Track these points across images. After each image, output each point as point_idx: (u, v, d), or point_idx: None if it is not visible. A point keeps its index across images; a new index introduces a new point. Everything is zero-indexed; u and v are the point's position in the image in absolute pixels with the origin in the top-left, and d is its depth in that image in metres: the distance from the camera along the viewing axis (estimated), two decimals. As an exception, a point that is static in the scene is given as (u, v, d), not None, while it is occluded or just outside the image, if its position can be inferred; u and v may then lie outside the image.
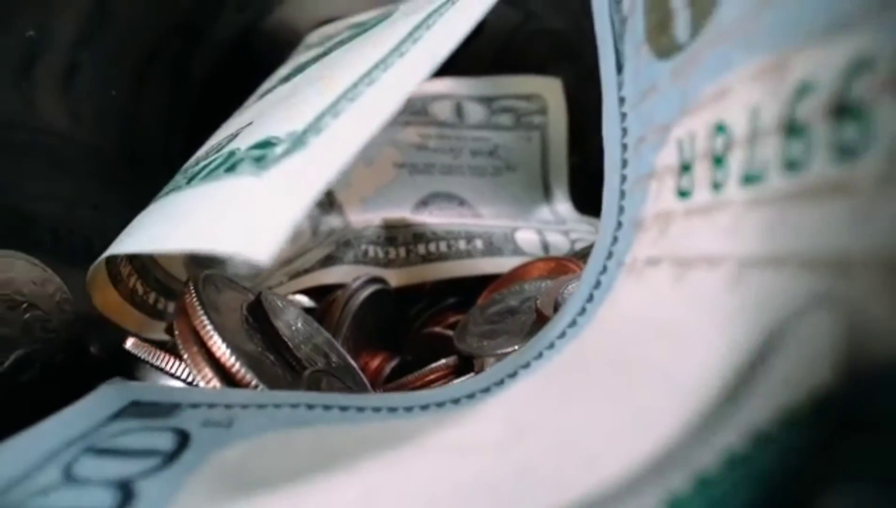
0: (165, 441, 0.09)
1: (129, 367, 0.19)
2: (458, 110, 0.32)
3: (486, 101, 0.33)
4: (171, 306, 0.22)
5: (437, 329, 0.22)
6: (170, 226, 0.09)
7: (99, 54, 0.25)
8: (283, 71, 0.20)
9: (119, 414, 0.10)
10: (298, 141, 0.08)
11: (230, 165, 0.10)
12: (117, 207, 0.25)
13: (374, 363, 0.22)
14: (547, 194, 0.32)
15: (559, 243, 0.26)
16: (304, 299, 0.23)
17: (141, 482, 0.08)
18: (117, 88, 0.27)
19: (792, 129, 0.06)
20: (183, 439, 0.09)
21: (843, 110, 0.06)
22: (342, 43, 0.17)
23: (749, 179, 0.07)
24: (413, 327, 0.23)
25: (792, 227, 0.06)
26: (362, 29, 0.18)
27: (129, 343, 0.16)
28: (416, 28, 0.11)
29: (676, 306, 0.08)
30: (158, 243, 0.10)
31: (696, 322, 0.07)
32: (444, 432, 0.09)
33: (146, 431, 0.10)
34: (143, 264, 0.21)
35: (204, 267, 0.23)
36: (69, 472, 0.08)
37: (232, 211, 0.08)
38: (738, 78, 0.08)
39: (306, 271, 0.24)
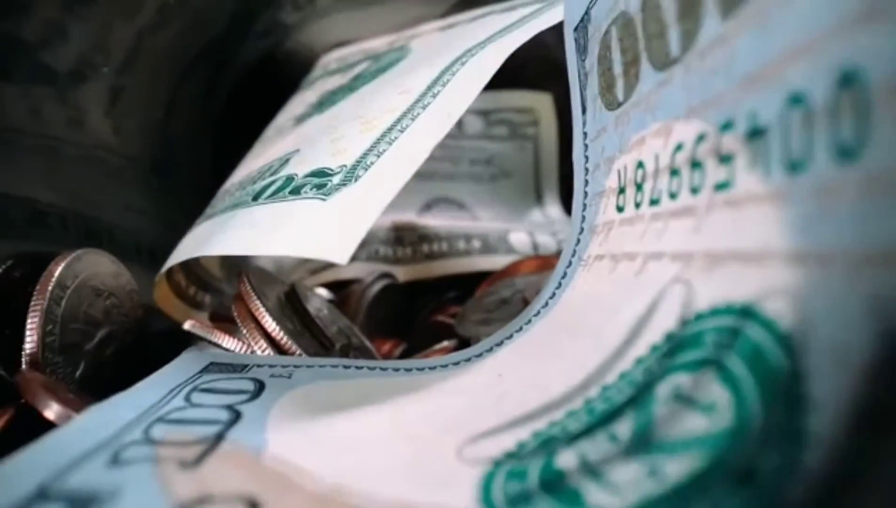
0: (247, 385, 0.13)
1: (182, 345, 0.22)
2: (458, 122, 0.36)
3: (484, 114, 0.36)
4: (206, 298, 0.26)
5: (440, 318, 0.26)
6: (252, 234, 0.13)
7: (138, 79, 0.29)
8: (311, 97, 0.24)
9: (205, 370, 0.14)
10: (351, 174, 0.12)
11: (293, 188, 0.13)
12: (159, 211, 0.29)
13: (385, 347, 0.26)
14: (538, 198, 0.36)
15: (547, 243, 0.30)
16: (324, 292, 0.27)
17: (241, 406, 0.11)
18: (153, 107, 0.31)
19: (673, 170, 0.10)
20: (259, 385, 0.13)
21: (696, 163, 0.10)
22: (365, 79, 0.20)
23: (653, 201, 0.11)
24: (419, 316, 0.27)
25: (668, 233, 0.10)
26: (379, 65, 0.22)
27: (188, 325, 0.20)
28: (437, 79, 0.15)
29: (609, 287, 0.12)
30: (244, 248, 0.14)
31: (618, 297, 0.11)
32: (447, 381, 0.13)
33: (230, 380, 0.13)
34: (187, 263, 0.25)
35: (235, 266, 0.27)
36: (189, 400, 0.12)
37: (307, 225, 0.12)
38: (648, 133, 0.11)
39: (325, 268, 0.28)
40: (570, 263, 0.15)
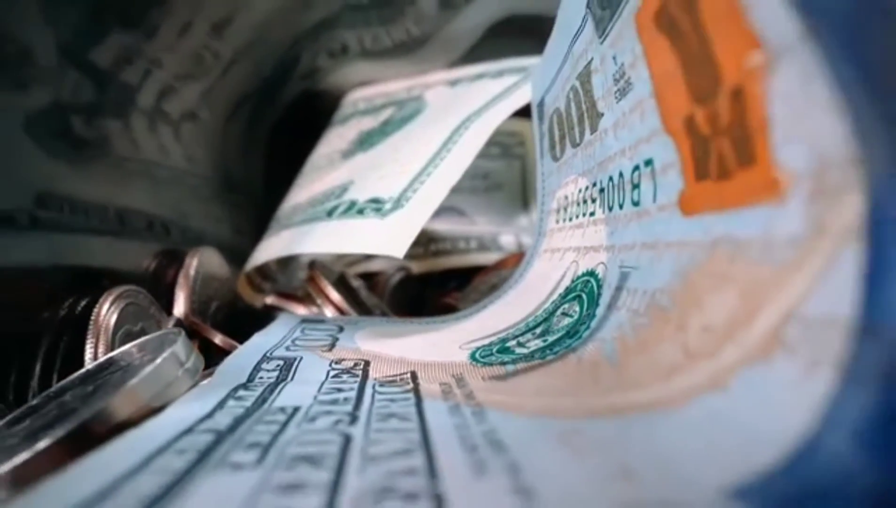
0: (333, 328, 0.22)
1: (256, 316, 0.31)
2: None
3: (481, 137, 0.45)
4: (266, 285, 0.35)
5: (445, 300, 0.35)
6: (335, 239, 0.22)
7: (204, 115, 0.38)
8: (350, 134, 0.33)
9: (302, 321, 0.23)
10: (398, 203, 0.21)
11: (358, 210, 0.23)
12: (231, 219, 0.38)
13: (404, 323, 0.34)
14: (525, 206, 0.45)
15: (530, 244, 0.39)
16: (358, 280, 0.36)
17: (337, 335, 0.21)
18: (214, 136, 0.40)
19: (577, 203, 0.20)
20: (340, 327, 0.22)
21: (584, 201, 0.19)
22: (394, 125, 0.30)
23: (569, 219, 0.20)
24: (429, 299, 0.36)
25: (573, 237, 0.19)
26: (402, 114, 0.31)
27: (270, 299, 0.29)
28: (449, 138, 0.24)
29: (547, 267, 0.21)
30: (329, 248, 0.23)
31: (550, 272, 0.20)
32: (452, 324, 0.22)
33: (321, 326, 0.22)
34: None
35: (286, 262, 0.36)
36: (304, 332, 0.21)
37: (373, 235, 0.21)
38: (569, 181, 0.21)
39: (356, 262, 0.37)
40: (532, 255, 0.24)
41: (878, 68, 0.06)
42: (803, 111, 0.08)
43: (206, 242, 0.34)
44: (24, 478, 0.11)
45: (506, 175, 0.46)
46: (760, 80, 0.09)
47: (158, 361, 0.13)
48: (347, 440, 0.10)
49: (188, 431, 0.11)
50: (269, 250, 0.28)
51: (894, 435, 0.06)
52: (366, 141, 0.30)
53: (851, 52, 0.06)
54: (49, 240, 0.27)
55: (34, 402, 0.15)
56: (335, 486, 0.08)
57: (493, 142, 0.47)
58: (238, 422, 0.11)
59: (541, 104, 0.24)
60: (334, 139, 0.35)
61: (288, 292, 0.32)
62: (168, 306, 0.25)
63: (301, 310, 0.28)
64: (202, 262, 0.27)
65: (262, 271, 0.35)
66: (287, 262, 0.36)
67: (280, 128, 0.44)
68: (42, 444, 0.11)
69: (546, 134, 0.24)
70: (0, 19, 0.25)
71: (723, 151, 0.10)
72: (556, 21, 0.20)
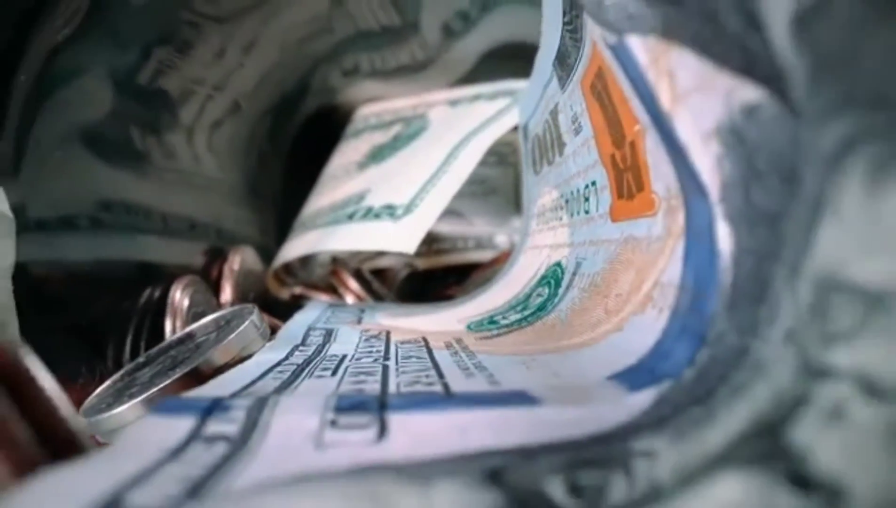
0: (356, 310, 0.28)
1: (280, 305, 0.37)
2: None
3: (478, 146, 0.51)
4: (289, 279, 0.41)
5: (446, 293, 0.41)
6: (355, 238, 0.28)
7: (230, 128, 0.43)
8: (363, 147, 0.39)
9: (329, 306, 0.29)
10: (408, 209, 0.27)
11: (375, 214, 0.29)
12: (258, 221, 0.44)
13: (410, 313, 0.40)
14: (517, 209, 0.51)
15: (521, 243, 0.45)
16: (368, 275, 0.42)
17: (360, 315, 0.26)
18: (239, 147, 0.46)
19: (551, 210, 0.25)
20: (361, 310, 0.28)
21: (556, 208, 0.25)
22: (403, 140, 0.36)
23: (546, 221, 0.26)
24: (432, 292, 0.42)
25: (548, 237, 0.25)
26: (409, 131, 0.37)
27: (298, 290, 0.35)
28: (450, 154, 0.30)
29: (530, 261, 0.27)
30: (351, 245, 0.29)
31: (531, 265, 0.26)
32: (454, 307, 0.28)
33: (345, 310, 0.28)
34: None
35: (306, 259, 0.42)
36: (332, 312, 0.27)
37: (387, 235, 0.27)
38: (546, 191, 0.26)
39: (369, 259, 0.43)
40: (519, 251, 0.30)
41: (685, 148, 0.12)
42: (658, 162, 0.13)
43: (238, 241, 0.40)
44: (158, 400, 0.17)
45: (501, 181, 0.52)
46: (641, 140, 0.14)
47: (243, 326, 0.19)
48: (385, 367, 0.15)
49: (277, 365, 0.16)
50: (296, 248, 0.33)
51: (686, 339, 0.12)
52: (378, 155, 0.36)
53: (673, 134, 0.12)
54: (111, 239, 0.33)
55: (141, 359, 0.21)
56: (384, 382, 0.13)
57: (490, 151, 0.53)
58: (308, 361, 0.17)
59: (525, 127, 0.30)
60: (349, 151, 0.41)
61: (312, 283, 0.37)
62: (215, 295, 0.31)
63: (325, 298, 0.34)
64: (243, 258, 0.33)
65: (287, 267, 0.41)
66: (307, 259, 0.42)
67: (298, 141, 0.50)
68: (175, 376, 0.17)
69: (529, 152, 0.29)
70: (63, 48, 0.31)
71: (629, 180, 0.16)
72: (534, 65, 0.26)
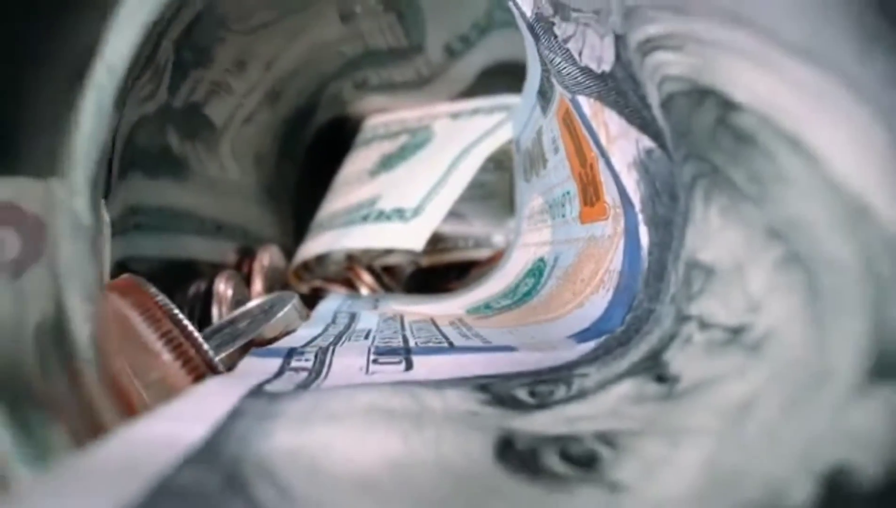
0: (373, 300, 0.33)
1: (310, 298, 0.42)
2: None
3: (477, 153, 0.56)
4: (306, 275, 0.46)
5: (449, 287, 0.46)
6: (369, 237, 0.33)
7: (249, 135, 0.49)
8: (373, 155, 0.44)
9: (347, 298, 0.34)
10: (416, 212, 0.32)
11: (386, 216, 0.34)
12: (277, 222, 0.49)
13: (415, 305, 0.45)
14: (513, 211, 0.56)
15: (516, 242, 0.50)
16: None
17: (377, 303, 0.31)
18: (258, 154, 0.51)
19: (539, 212, 0.31)
20: (376, 299, 0.33)
21: (542, 211, 0.30)
22: (409, 150, 0.41)
23: (534, 223, 0.31)
24: (435, 287, 0.47)
25: (535, 236, 0.30)
26: (415, 141, 0.42)
27: (318, 283, 0.40)
28: (452, 164, 0.35)
29: (521, 256, 0.32)
30: (365, 243, 0.34)
31: (522, 260, 0.31)
32: (455, 298, 0.33)
33: (362, 300, 0.33)
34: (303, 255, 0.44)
35: (322, 256, 0.47)
36: (350, 304, 0.32)
37: (398, 234, 0.32)
38: (534, 197, 0.32)
39: (378, 257, 0.48)
40: (512, 249, 0.35)
41: (618, 173, 0.17)
42: (606, 181, 0.19)
43: (263, 241, 0.45)
44: (227, 363, 0.22)
45: (498, 186, 0.57)
46: (596, 163, 0.19)
47: (288, 307, 0.24)
48: (404, 337, 0.21)
49: (318, 335, 0.21)
50: (315, 246, 0.39)
51: (620, 308, 0.17)
52: (387, 163, 0.41)
53: (611, 163, 0.17)
54: (157, 239, 0.38)
55: (207, 331, 0.26)
56: (405, 341, 0.19)
57: (488, 158, 0.58)
58: (341, 334, 0.22)
59: (517, 141, 0.35)
60: (360, 160, 0.46)
61: (329, 278, 0.42)
62: (247, 287, 0.36)
63: (342, 291, 0.39)
64: (270, 256, 0.38)
65: (305, 264, 0.46)
66: (323, 257, 0.47)
67: (311, 150, 0.55)
68: (238, 344, 0.22)
69: (521, 163, 0.34)
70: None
71: (591, 192, 0.21)
72: (524, 89, 0.31)
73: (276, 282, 0.39)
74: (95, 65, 0.22)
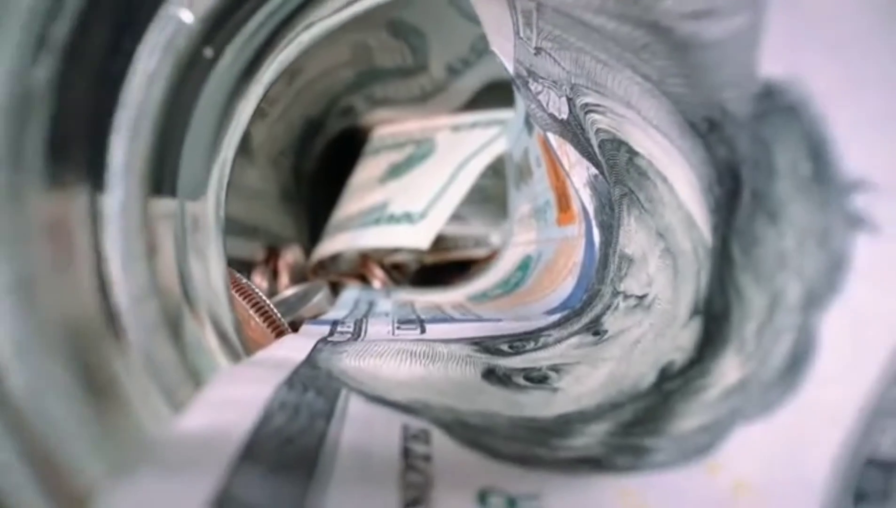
0: (386, 291, 0.39)
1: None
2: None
3: (476, 160, 0.62)
4: (321, 271, 0.52)
5: (451, 282, 0.52)
6: (381, 237, 0.39)
7: (267, 143, 0.55)
8: (382, 164, 0.50)
9: (362, 290, 0.40)
10: (422, 215, 0.38)
11: (396, 219, 0.40)
12: (294, 223, 0.55)
13: (420, 299, 0.51)
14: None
15: (511, 242, 0.56)
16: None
17: (389, 293, 0.38)
18: (275, 162, 0.57)
19: (527, 217, 0.37)
20: (388, 290, 0.39)
21: (529, 216, 0.36)
22: (415, 159, 0.47)
23: (523, 226, 0.38)
24: (438, 283, 0.53)
25: (523, 236, 0.36)
26: (420, 151, 0.48)
27: (334, 277, 0.46)
28: (453, 175, 0.41)
29: (512, 254, 0.38)
30: (377, 243, 0.40)
31: (513, 257, 0.38)
32: (456, 290, 0.39)
33: (375, 291, 0.39)
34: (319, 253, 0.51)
35: (335, 256, 0.53)
36: (366, 291, 0.38)
37: (407, 234, 0.38)
38: (523, 203, 0.38)
39: (385, 255, 0.54)
40: (506, 248, 0.41)
41: (578, 190, 0.23)
42: (572, 193, 0.25)
43: (284, 241, 0.51)
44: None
45: (495, 190, 0.63)
46: (566, 179, 0.25)
47: (321, 294, 0.30)
48: (417, 316, 0.27)
49: (348, 315, 0.27)
50: (332, 245, 0.45)
51: (580, 290, 0.23)
52: (395, 172, 0.47)
53: (573, 182, 0.23)
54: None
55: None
56: (419, 317, 0.25)
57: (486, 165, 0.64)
58: (367, 313, 0.28)
59: (510, 153, 0.41)
60: (370, 168, 0.52)
61: (343, 273, 0.49)
62: (274, 280, 0.42)
63: (355, 284, 0.45)
64: (293, 253, 0.44)
65: (320, 262, 0.52)
66: (336, 256, 0.53)
67: (323, 157, 0.61)
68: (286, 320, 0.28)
69: (513, 172, 0.41)
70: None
71: (563, 201, 0.27)
72: (515, 111, 0.37)
73: (297, 277, 0.45)
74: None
